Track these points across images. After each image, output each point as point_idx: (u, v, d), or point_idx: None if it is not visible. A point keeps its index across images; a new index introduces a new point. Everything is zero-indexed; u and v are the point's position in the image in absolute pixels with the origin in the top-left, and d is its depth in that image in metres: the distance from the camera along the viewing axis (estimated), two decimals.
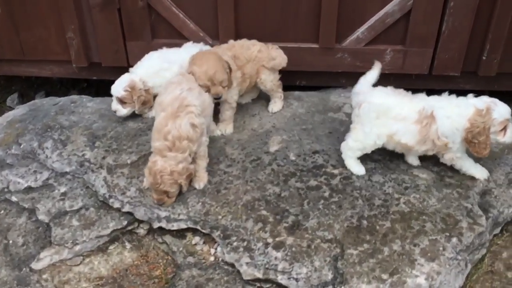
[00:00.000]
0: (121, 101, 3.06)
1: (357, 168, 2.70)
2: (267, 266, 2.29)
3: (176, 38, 3.35)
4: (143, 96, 3.04)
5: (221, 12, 3.23)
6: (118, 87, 3.03)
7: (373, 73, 2.73)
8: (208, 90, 2.75)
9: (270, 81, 3.11)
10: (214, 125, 3.01)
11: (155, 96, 2.80)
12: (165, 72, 3.05)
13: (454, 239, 2.32)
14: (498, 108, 2.46)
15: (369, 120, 2.59)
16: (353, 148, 2.68)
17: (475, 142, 2.48)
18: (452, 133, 2.50)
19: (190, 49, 3.11)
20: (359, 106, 2.63)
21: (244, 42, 3.11)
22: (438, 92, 2.72)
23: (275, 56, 3.10)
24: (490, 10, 3.06)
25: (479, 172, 2.66)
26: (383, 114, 2.57)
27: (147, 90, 3.05)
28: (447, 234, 2.34)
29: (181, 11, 3.28)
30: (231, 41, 3.11)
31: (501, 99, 2.65)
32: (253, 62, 3.04)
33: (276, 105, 3.20)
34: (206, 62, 2.74)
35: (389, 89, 2.67)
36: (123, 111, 3.09)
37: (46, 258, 2.49)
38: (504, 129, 2.48)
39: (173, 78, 2.72)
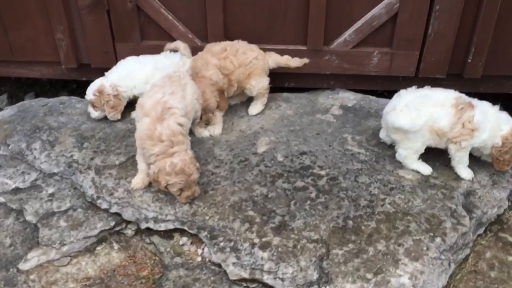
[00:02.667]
0: (92, 105, 3.12)
1: (423, 168, 2.73)
2: (253, 266, 2.31)
3: (165, 39, 3.36)
4: (111, 101, 3.07)
5: (210, 13, 3.25)
6: (89, 91, 3.10)
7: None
8: (201, 116, 2.92)
9: (257, 89, 3.13)
10: (202, 126, 3.02)
11: (135, 101, 2.79)
12: (138, 73, 3.09)
13: (438, 239, 2.36)
14: None
15: (417, 121, 2.61)
16: (408, 156, 2.72)
17: (500, 159, 2.61)
18: (484, 127, 2.58)
19: (170, 56, 3.15)
20: None
21: (241, 45, 3.11)
22: None
23: (271, 62, 3.20)
24: (475, 13, 3.11)
25: (466, 173, 2.70)
26: (422, 106, 2.62)
27: (116, 95, 3.07)
28: (431, 234, 2.38)
29: (170, 13, 3.30)
30: (226, 43, 3.11)
31: (485, 101, 2.70)
32: (245, 67, 3.06)
33: (255, 108, 3.21)
34: (203, 95, 2.89)
35: (413, 88, 2.75)
36: (94, 113, 3.16)
37: (33, 258, 2.49)
38: None
39: (158, 81, 2.73)
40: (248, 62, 3.06)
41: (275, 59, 3.21)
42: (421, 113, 2.61)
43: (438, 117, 2.61)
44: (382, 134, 2.92)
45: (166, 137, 2.45)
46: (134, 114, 3.09)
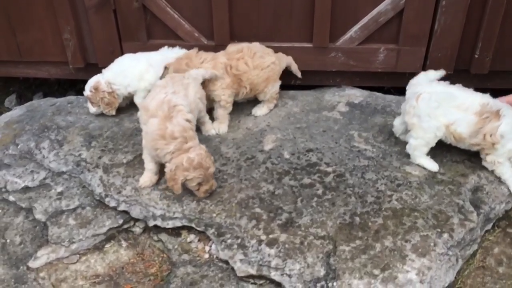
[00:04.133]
0: (89, 100, 3.18)
1: (431, 165, 2.70)
2: (260, 262, 2.31)
3: (172, 38, 3.39)
4: (106, 98, 3.12)
5: (215, 12, 3.26)
6: (86, 87, 3.18)
7: (436, 73, 2.76)
8: None
9: (270, 93, 3.15)
10: (210, 124, 3.04)
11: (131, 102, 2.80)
12: (132, 70, 3.13)
13: (445, 235, 2.35)
14: None
15: (429, 111, 2.59)
16: (418, 147, 2.69)
17: None
18: (509, 138, 2.50)
19: (165, 52, 3.16)
20: (417, 97, 2.63)
21: (258, 49, 3.10)
22: None
23: (288, 62, 3.27)
24: (482, 8, 3.10)
25: None
26: (445, 102, 2.58)
27: (110, 92, 3.12)
28: (439, 230, 2.37)
29: (176, 12, 3.31)
30: (244, 45, 3.10)
31: (493, 96, 2.68)
32: (262, 71, 3.05)
33: (261, 109, 3.21)
34: None
35: (447, 83, 2.70)
36: (92, 109, 3.24)
37: (43, 256, 2.52)
38: None
39: (160, 81, 2.76)
40: (266, 66, 3.06)
41: (286, 62, 3.27)
42: (439, 109, 2.58)
43: (457, 121, 2.56)
44: (397, 122, 2.89)
45: (179, 133, 2.47)
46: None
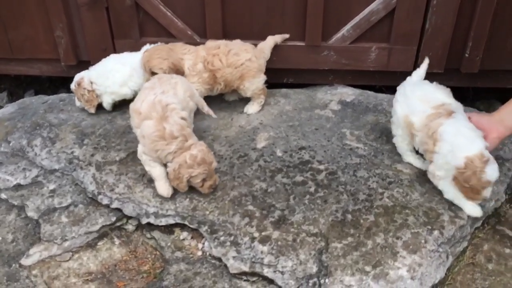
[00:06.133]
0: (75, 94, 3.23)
1: (419, 163, 2.71)
2: (253, 259, 2.33)
3: (164, 36, 3.38)
4: (85, 95, 3.15)
5: (208, 10, 3.26)
6: (73, 81, 3.20)
7: (420, 71, 2.78)
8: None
9: (251, 90, 3.13)
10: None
11: (131, 101, 2.76)
12: (115, 73, 3.13)
13: (436, 232, 2.38)
14: (493, 166, 2.28)
15: (396, 108, 2.64)
16: (399, 143, 2.72)
17: (466, 186, 2.33)
18: (447, 138, 2.38)
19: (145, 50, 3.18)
20: (394, 101, 2.69)
21: (235, 46, 3.09)
22: None
23: (273, 43, 3.27)
24: (472, 7, 3.13)
25: (469, 208, 2.45)
26: (410, 94, 2.60)
27: (90, 91, 3.14)
28: (429, 227, 2.40)
29: (169, 10, 3.31)
30: (222, 41, 3.11)
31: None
32: (236, 69, 3.04)
33: (252, 107, 3.21)
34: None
35: (434, 84, 2.67)
36: (77, 102, 3.27)
37: (35, 254, 2.51)
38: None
39: (147, 83, 2.75)
40: (240, 64, 3.04)
41: (269, 47, 3.26)
42: (404, 102, 2.61)
43: (414, 110, 2.54)
44: None
45: (178, 132, 2.47)
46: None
